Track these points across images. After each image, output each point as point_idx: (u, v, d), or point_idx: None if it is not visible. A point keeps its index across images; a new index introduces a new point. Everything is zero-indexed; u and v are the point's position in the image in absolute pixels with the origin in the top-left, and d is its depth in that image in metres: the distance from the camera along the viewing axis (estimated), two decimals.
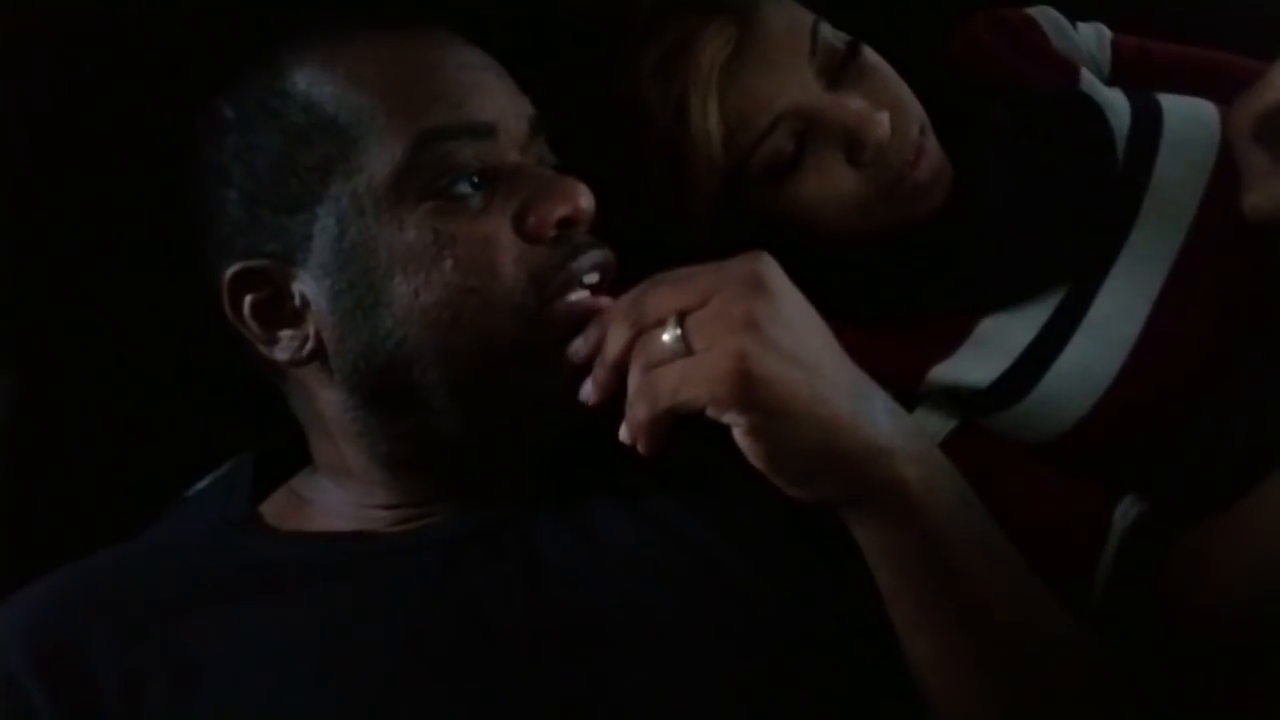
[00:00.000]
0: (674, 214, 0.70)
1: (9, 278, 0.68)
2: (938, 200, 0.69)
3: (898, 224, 0.69)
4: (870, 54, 0.70)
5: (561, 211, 0.58)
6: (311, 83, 0.58)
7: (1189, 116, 0.74)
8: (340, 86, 0.58)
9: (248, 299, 0.59)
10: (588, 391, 0.53)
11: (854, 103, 0.67)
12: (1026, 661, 0.54)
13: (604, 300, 0.57)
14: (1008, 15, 0.82)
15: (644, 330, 0.50)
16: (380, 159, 0.56)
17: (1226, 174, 0.69)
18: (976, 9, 0.83)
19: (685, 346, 0.49)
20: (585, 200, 0.58)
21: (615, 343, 0.51)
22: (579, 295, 0.57)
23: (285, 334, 0.59)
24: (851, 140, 0.67)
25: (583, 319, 0.56)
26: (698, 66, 0.65)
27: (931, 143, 0.69)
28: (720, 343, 0.48)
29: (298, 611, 0.55)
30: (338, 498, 0.62)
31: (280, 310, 0.59)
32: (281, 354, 0.59)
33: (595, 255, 0.58)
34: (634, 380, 0.50)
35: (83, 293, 0.70)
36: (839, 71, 0.68)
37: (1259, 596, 0.59)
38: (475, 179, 0.57)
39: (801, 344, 0.50)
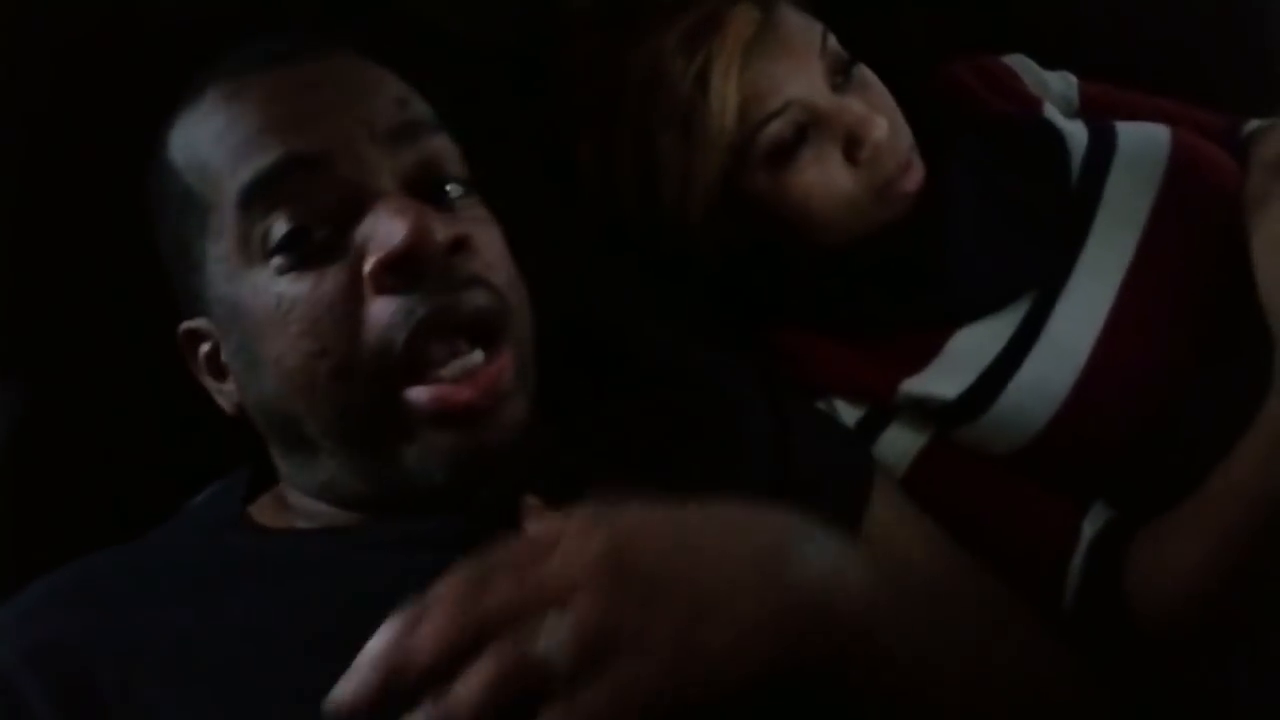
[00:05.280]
0: (678, 188, 0.73)
1: (15, 287, 0.69)
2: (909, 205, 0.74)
3: (879, 226, 0.74)
4: (868, 71, 0.75)
5: (379, 257, 0.52)
6: (175, 150, 0.58)
7: (1141, 137, 0.78)
8: (189, 154, 0.57)
9: (200, 351, 0.60)
10: None
11: (856, 105, 0.72)
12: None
13: (462, 393, 0.52)
14: (985, 61, 0.87)
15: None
16: (226, 221, 0.55)
17: (1176, 189, 0.74)
18: (955, 55, 0.88)
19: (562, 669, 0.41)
20: (408, 236, 0.51)
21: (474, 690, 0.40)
22: (426, 390, 0.53)
23: (226, 386, 0.60)
24: (851, 138, 0.71)
25: (439, 414, 0.52)
26: (724, 39, 0.69)
27: (918, 160, 0.74)
28: (609, 676, 0.40)
29: (286, 601, 0.54)
30: (316, 506, 0.61)
31: (218, 364, 0.59)
32: (225, 404, 0.60)
33: (433, 304, 0.52)
34: None
35: (89, 303, 0.70)
36: (843, 77, 0.73)
37: (1214, 585, 0.63)
38: (317, 232, 0.53)
39: (690, 601, 0.43)
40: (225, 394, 0.60)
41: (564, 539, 0.44)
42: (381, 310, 0.52)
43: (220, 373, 0.60)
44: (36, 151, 0.69)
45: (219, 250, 0.56)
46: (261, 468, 0.64)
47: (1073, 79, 0.88)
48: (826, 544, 0.49)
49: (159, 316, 0.66)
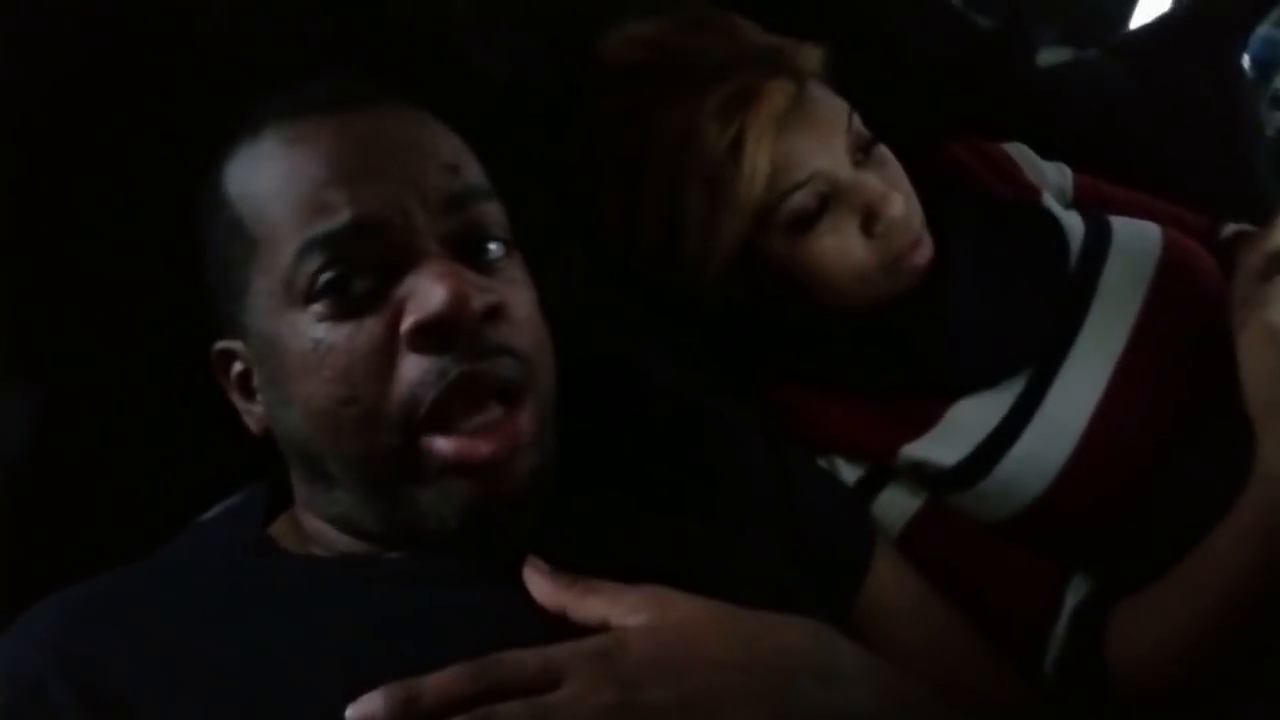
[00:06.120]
0: (700, 244, 0.76)
1: (38, 295, 0.69)
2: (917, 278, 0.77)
3: (886, 298, 0.77)
4: (887, 150, 0.79)
5: (416, 319, 0.54)
6: (229, 180, 0.59)
7: (1134, 233, 0.83)
8: (244, 190, 0.58)
9: (233, 370, 0.61)
10: None
11: (875, 181, 0.76)
12: None
13: (483, 447, 0.54)
14: (984, 145, 0.92)
15: None
16: (276, 261, 0.56)
17: (1166, 282, 0.79)
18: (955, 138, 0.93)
19: None
20: (447, 302, 0.53)
21: None
22: (448, 441, 0.54)
23: (255, 408, 0.61)
24: (869, 211, 0.75)
25: (459, 465, 0.54)
26: (759, 110, 0.73)
27: (928, 237, 0.78)
28: None
29: (308, 627, 0.54)
30: (330, 533, 0.62)
31: (249, 385, 0.61)
32: (253, 424, 0.62)
33: (463, 370, 0.54)
34: None
35: (106, 310, 0.71)
36: (863, 154, 0.77)
37: (1195, 655, 0.66)
38: (359, 282, 0.55)
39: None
40: (254, 415, 0.62)
41: (574, 671, 0.47)
42: (413, 367, 0.54)
43: (250, 394, 0.61)
44: (66, 161, 0.70)
45: (262, 285, 0.57)
46: (277, 486, 0.65)
47: (1068, 171, 0.93)
48: (841, 664, 0.51)
49: (179, 326, 0.67)
